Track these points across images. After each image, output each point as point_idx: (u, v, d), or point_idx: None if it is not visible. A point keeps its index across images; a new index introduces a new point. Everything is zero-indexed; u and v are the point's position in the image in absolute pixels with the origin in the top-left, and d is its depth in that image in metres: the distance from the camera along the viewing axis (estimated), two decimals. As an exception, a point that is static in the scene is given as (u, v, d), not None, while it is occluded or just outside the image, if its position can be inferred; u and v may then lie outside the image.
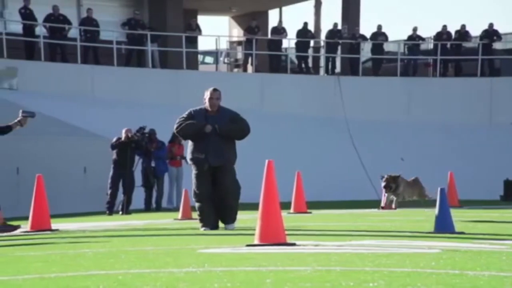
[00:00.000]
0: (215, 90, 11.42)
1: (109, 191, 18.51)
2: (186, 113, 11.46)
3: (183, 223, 13.79)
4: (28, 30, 24.80)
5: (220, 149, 11.26)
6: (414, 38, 29.46)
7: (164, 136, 20.65)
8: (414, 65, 29.64)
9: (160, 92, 25.54)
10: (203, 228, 11.26)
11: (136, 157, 19.51)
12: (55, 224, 12.62)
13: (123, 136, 18.71)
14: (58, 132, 20.77)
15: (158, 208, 20.34)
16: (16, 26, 25.19)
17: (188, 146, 11.55)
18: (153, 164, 20.40)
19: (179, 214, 15.13)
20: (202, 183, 11.25)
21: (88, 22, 25.87)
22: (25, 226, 12.36)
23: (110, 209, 18.50)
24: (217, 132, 11.27)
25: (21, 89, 23.14)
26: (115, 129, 19.51)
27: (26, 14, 24.76)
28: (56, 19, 25.12)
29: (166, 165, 20.71)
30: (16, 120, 11.89)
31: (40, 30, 24.95)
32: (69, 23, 25.47)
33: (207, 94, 11.44)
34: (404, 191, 14.33)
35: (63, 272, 6.70)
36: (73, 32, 25.72)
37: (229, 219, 11.38)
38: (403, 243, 8.53)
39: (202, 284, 5.59)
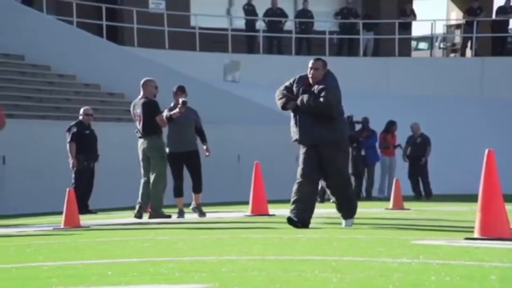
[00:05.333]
0: (316, 60, 10.00)
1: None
2: (290, 80, 10.13)
3: (394, 212, 13.63)
4: (250, 25, 25.75)
5: (309, 126, 9.84)
6: None
7: (375, 125, 20.52)
8: None
9: (371, 80, 25.40)
10: (291, 213, 9.70)
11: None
12: (272, 209, 12.91)
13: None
14: (273, 122, 21.19)
15: (368, 197, 20.26)
16: (240, 22, 26.18)
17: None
18: (363, 153, 20.33)
19: (390, 204, 14.97)
20: (305, 160, 9.88)
21: (303, 14, 26.24)
22: (246, 210, 12.82)
23: (321, 197, 18.64)
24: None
25: (242, 81, 23.93)
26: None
27: (249, 10, 25.70)
28: (274, 13, 25.78)
29: (377, 154, 20.56)
30: (175, 111, 12.30)
31: (260, 24, 25.74)
32: (285, 16, 26.04)
33: (309, 64, 10.04)
34: None
35: (281, 255, 6.84)
36: (289, 24, 26.22)
37: (344, 212, 9.92)
38: None
39: (418, 275, 5.46)
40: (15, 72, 19.75)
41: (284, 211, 13.79)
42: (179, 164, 12.45)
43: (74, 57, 20.74)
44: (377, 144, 20.58)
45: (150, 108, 12.35)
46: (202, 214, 12.52)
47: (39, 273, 6.08)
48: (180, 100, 12.35)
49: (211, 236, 9.20)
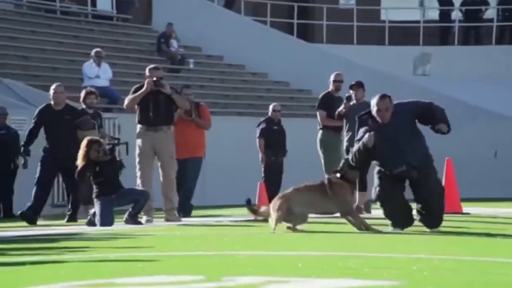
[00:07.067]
0: (382, 98, 8.58)
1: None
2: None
3: None
4: (444, 15, 24.92)
5: (401, 148, 8.68)
6: None
7: None
8: None
9: None
10: (390, 228, 8.99)
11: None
12: (466, 207, 12.58)
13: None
14: (468, 117, 20.51)
15: None
16: (433, 13, 25.51)
17: None
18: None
19: None
20: (381, 180, 8.86)
21: (507, 0, 24.85)
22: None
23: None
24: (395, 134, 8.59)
25: (433, 74, 23.39)
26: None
27: (444, 0, 24.73)
28: (473, 2, 24.62)
29: None
30: (340, 108, 12.22)
31: (456, 14, 24.94)
32: (486, 4, 24.86)
33: (373, 103, 8.64)
34: None
35: (477, 256, 6.60)
36: (490, 12, 25.10)
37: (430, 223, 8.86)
38: None
39: None
40: (216, 72, 20.76)
41: (479, 209, 13.29)
42: None
43: (267, 55, 21.30)
44: None
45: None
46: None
47: (236, 261, 6.38)
48: (346, 96, 12.29)
49: (400, 233, 8.96)
